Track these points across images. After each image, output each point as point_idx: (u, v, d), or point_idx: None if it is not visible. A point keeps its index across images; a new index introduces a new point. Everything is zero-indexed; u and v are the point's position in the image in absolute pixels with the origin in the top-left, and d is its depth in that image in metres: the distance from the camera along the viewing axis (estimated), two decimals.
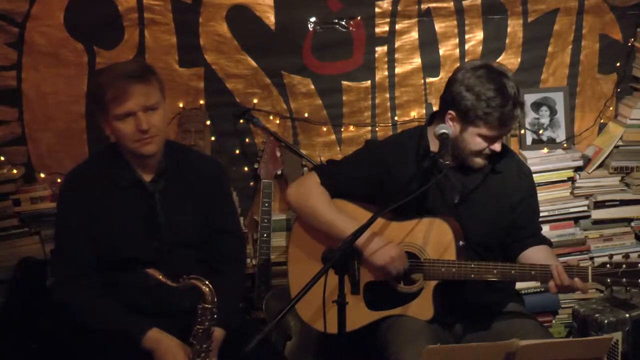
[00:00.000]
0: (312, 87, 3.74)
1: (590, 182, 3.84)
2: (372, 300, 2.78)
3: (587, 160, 3.85)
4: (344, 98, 3.78)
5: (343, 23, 3.70)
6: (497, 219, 2.76)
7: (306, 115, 3.76)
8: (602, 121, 3.94)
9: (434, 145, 2.74)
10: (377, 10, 3.70)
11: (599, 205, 3.83)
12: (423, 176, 2.65)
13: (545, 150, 3.84)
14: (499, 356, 2.11)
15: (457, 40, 3.79)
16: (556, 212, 3.81)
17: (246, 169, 3.75)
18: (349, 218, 2.74)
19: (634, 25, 3.86)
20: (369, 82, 3.78)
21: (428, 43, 3.77)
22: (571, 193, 3.84)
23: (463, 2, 3.74)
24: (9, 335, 3.25)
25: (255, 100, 3.71)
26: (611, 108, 3.94)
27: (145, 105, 2.51)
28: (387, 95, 3.81)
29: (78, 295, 2.59)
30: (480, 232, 2.75)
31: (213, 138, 3.70)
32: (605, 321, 3.36)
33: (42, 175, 3.62)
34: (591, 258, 3.83)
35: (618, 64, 3.89)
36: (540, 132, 3.85)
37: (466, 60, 3.77)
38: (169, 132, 2.66)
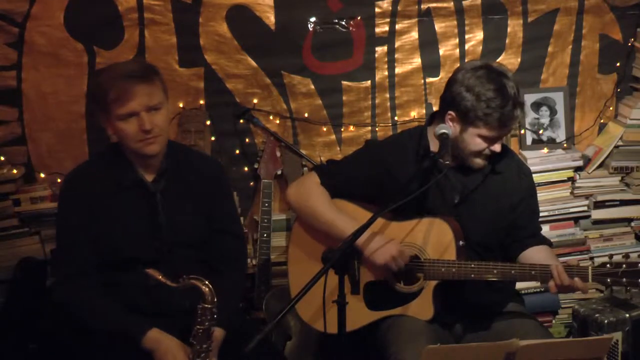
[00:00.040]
0: (312, 87, 3.74)
1: (590, 182, 3.84)
2: (372, 300, 2.78)
3: (587, 160, 3.85)
4: (344, 98, 3.78)
5: (343, 23, 3.70)
6: (497, 219, 2.76)
7: (306, 115, 3.76)
8: (602, 121, 3.94)
9: (434, 145, 2.74)
10: (377, 10, 3.70)
11: (599, 205, 3.83)
12: (423, 176, 2.66)
13: (545, 150, 3.84)
14: (499, 356, 2.11)
15: (457, 40, 3.79)
16: (556, 212, 3.81)
17: (246, 169, 3.75)
18: (349, 218, 2.74)
19: (634, 25, 3.86)
20: (369, 82, 3.78)
21: (428, 43, 3.77)
22: (571, 193, 3.84)
23: (463, 2, 3.74)
24: (9, 335, 3.25)
25: (255, 100, 3.71)
26: (611, 108, 3.94)
27: (148, 106, 2.51)
28: (387, 95, 3.81)
29: (78, 295, 2.59)
30: (480, 232, 2.75)
31: (213, 138, 3.70)
32: (605, 321, 3.36)
33: (42, 175, 3.62)
34: (591, 258, 3.83)
35: (618, 64, 3.89)
36: (540, 132, 3.85)
37: (466, 60, 3.77)
38: (169, 132, 2.66)
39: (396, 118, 3.82)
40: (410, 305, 2.73)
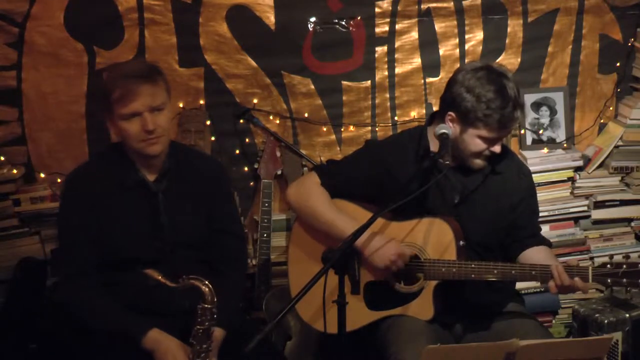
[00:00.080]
0: (312, 87, 3.74)
1: (590, 182, 3.84)
2: (372, 300, 2.78)
3: (587, 160, 3.85)
4: (344, 98, 3.78)
5: (343, 23, 3.70)
6: (497, 219, 2.76)
7: (306, 115, 3.76)
8: (602, 121, 3.95)
9: (434, 146, 2.74)
10: (377, 10, 3.70)
11: (599, 205, 3.83)
12: (423, 176, 2.66)
13: (545, 150, 3.84)
14: (499, 356, 2.11)
15: (457, 40, 3.79)
16: (556, 212, 3.81)
17: (246, 169, 3.75)
18: (349, 218, 2.74)
19: (634, 25, 3.86)
20: (369, 82, 3.78)
21: (428, 43, 3.77)
22: (571, 193, 3.84)
23: (463, 2, 3.74)
24: (9, 335, 3.25)
25: (255, 100, 3.71)
26: (611, 108, 3.94)
27: (151, 106, 2.51)
28: (387, 95, 3.81)
29: (78, 295, 2.59)
30: (480, 233, 2.75)
31: (213, 138, 3.70)
32: (605, 321, 3.36)
33: (42, 175, 3.62)
34: (591, 258, 3.83)
35: (618, 64, 3.89)
36: (540, 132, 3.85)
37: (466, 60, 3.77)
38: (171, 133, 2.67)
39: (396, 118, 3.82)
40: (410, 305, 2.73)
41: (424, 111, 3.80)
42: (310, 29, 3.68)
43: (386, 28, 3.73)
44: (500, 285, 2.74)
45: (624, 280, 2.52)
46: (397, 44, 3.76)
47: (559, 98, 3.85)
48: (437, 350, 2.12)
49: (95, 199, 2.60)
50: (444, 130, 2.62)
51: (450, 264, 2.66)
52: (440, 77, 3.80)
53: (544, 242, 2.83)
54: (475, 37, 3.79)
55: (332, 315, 2.35)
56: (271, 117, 3.73)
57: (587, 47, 3.86)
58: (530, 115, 3.83)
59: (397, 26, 3.74)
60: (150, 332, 2.52)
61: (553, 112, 3.85)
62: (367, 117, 3.81)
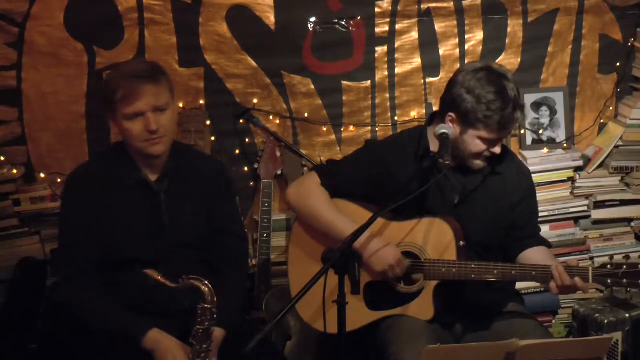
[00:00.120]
0: (312, 87, 3.74)
1: (590, 182, 3.84)
2: (372, 300, 2.78)
3: (587, 160, 3.85)
4: (344, 98, 3.78)
5: (343, 23, 3.70)
6: (497, 219, 2.76)
7: (306, 115, 3.76)
8: (602, 121, 3.94)
9: (434, 146, 2.74)
10: (377, 10, 3.70)
11: (599, 205, 3.83)
12: (423, 176, 2.66)
13: (545, 150, 3.84)
14: (499, 356, 2.11)
15: (457, 40, 3.79)
16: (556, 212, 3.81)
17: (246, 169, 3.75)
18: (349, 219, 2.74)
19: (634, 25, 3.86)
20: (369, 82, 3.78)
21: (428, 43, 3.77)
22: (571, 193, 3.84)
23: (463, 2, 3.74)
24: (9, 335, 3.25)
25: (255, 100, 3.71)
26: (611, 108, 3.94)
27: (155, 106, 2.52)
28: (387, 95, 3.80)
29: (78, 295, 2.59)
30: (479, 233, 2.75)
31: (213, 138, 3.70)
32: (605, 321, 3.36)
33: (42, 175, 3.62)
34: (591, 258, 3.83)
35: (618, 64, 3.89)
36: (540, 132, 3.85)
37: (466, 60, 3.77)
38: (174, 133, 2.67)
39: (396, 118, 3.82)
40: (410, 306, 2.73)
41: (424, 111, 3.80)
42: (310, 29, 3.68)
43: (386, 28, 3.73)
44: (500, 285, 2.74)
45: (624, 280, 2.52)
46: (397, 44, 3.76)
47: (559, 98, 3.85)
48: (437, 350, 2.12)
49: (96, 199, 2.60)
50: (444, 131, 2.62)
51: (450, 264, 2.66)
52: (440, 77, 3.80)
53: (543, 242, 2.83)
54: (475, 37, 3.79)
55: (332, 315, 2.35)
56: (271, 117, 3.73)
57: (587, 47, 3.86)
58: (530, 115, 3.83)
59: (397, 26, 3.74)
60: (150, 332, 2.52)
61: (553, 112, 3.85)
62: (367, 117, 3.81)
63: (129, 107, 2.50)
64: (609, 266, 2.54)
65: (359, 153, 2.92)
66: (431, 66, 3.79)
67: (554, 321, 3.81)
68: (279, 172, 3.64)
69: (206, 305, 2.43)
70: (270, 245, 3.54)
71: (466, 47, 3.80)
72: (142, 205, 2.63)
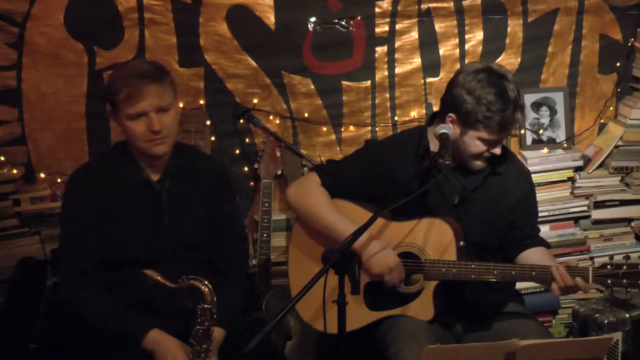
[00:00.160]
0: (312, 87, 3.74)
1: (590, 182, 3.84)
2: (372, 301, 2.78)
3: (587, 160, 3.85)
4: (344, 98, 3.78)
5: (343, 23, 3.70)
6: (497, 220, 2.76)
7: (306, 115, 3.76)
8: (602, 121, 3.95)
9: (434, 146, 2.74)
10: (377, 10, 3.70)
11: (599, 205, 3.83)
12: (423, 176, 2.66)
13: (545, 150, 3.84)
14: (499, 356, 2.12)
15: (457, 40, 3.79)
16: (556, 212, 3.81)
17: (246, 169, 3.75)
18: (349, 219, 2.74)
19: (634, 25, 3.86)
20: (369, 82, 3.78)
21: (428, 43, 3.77)
22: (571, 193, 3.84)
23: (463, 2, 3.74)
24: (9, 335, 3.25)
25: (255, 100, 3.71)
26: (611, 108, 3.94)
27: (158, 106, 2.52)
28: (387, 95, 3.80)
29: (79, 295, 2.59)
30: (479, 233, 2.75)
31: (213, 138, 3.70)
32: (605, 321, 3.36)
33: (42, 175, 3.62)
34: (591, 258, 3.83)
35: (618, 64, 3.89)
36: (540, 132, 3.85)
37: (466, 60, 3.77)
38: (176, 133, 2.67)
39: (396, 118, 3.82)
40: (410, 306, 2.73)
41: (424, 111, 3.80)
42: (310, 29, 3.68)
43: (386, 28, 3.73)
44: (500, 285, 2.74)
45: (624, 281, 2.52)
46: (397, 44, 3.75)
47: (559, 98, 3.85)
48: (437, 350, 2.12)
49: (98, 199, 2.60)
50: (444, 130, 2.62)
51: (450, 264, 2.66)
52: (440, 77, 3.80)
53: (543, 243, 2.83)
54: (475, 37, 3.79)
55: (332, 315, 2.35)
56: (271, 117, 3.73)
57: (587, 47, 3.86)
58: (530, 116, 3.83)
59: (397, 26, 3.74)
60: (150, 333, 2.52)
61: (553, 112, 3.85)
62: (367, 117, 3.81)
63: (132, 107, 2.50)
64: (609, 266, 2.54)
65: (359, 153, 2.92)
66: (431, 66, 3.79)
67: (554, 321, 3.81)
68: (279, 172, 3.64)
69: (206, 306, 2.43)
70: (270, 245, 3.54)
71: (466, 47, 3.80)
72: (143, 205, 2.63)
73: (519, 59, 3.83)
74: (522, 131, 3.85)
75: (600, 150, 3.85)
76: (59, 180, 3.56)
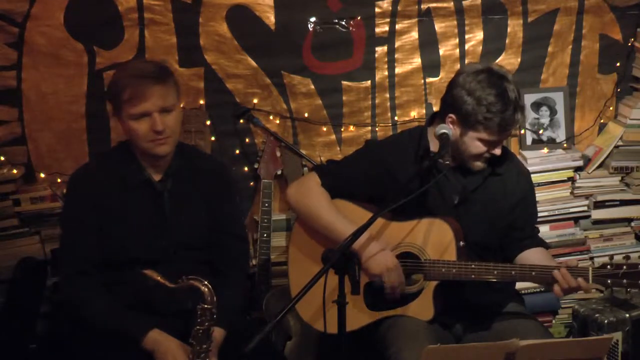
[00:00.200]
0: (312, 87, 3.74)
1: (590, 182, 3.84)
2: (372, 301, 2.78)
3: (587, 160, 3.85)
4: (344, 98, 3.78)
5: (343, 23, 3.69)
6: (496, 220, 2.77)
7: (306, 115, 3.76)
8: (602, 121, 3.95)
9: (434, 146, 2.74)
10: (377, 10, 3.70)
11: (599, 205, 3.83)
12: (423, 176, 2.66)
13: (545, 150, 3.84)
14: (499, 356, 2.12)
15: (457, 40, 3.79)
16: (556, 212, 3.81)
17: (246, 169, 3.75)
18: (349, 220, 2.74)
19: (634, 25, 3.86)
20: (369, 82, 3.78)
21: (428, 43, 3.77)
22: (571, 193, 3.84)
23: (463, 2, 3.74)
24: (9, 335, 3.25)
25: (255, 100, 3.71)
26: (611, 108, 3.94)
27: (161, 107, 2.52)
28: (387, 95, 3.80)
29: (79, 295, 2.59)
30: (479, 233, 2.75)
31: (213, 138, 3.69)
32: (605, 321, 3.36)
33: (42, 175, 3.62)
34: (591, 258, 3.83)
35: (618, 64, 3.89)
36: (540, 132, 3.85)
37: (466, 60, 3.77)
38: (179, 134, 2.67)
39: (396, 118, 3.82)
40: (410, 306, 2.73)
41: (424, 111, 3.80)
42: (310, 29, 3.68)
43: (386, 28, 3.73)
44: (500, 285, 2.74)
45: (624, 281, 2.52)
46: (397, 44, 3.75)
47: (559, 98, 3.85)
48: (437, 350, 2.12)
49: (99, 199, 2.60)
50: (444, 131, 2.62)
51: (450, 264, 2.66)
52: (440, 77, 3.80)
53: (542, 243, 2.84)
54: (475, 37, 3.79)
55: (332, 315, 2.35)
56: (271, 117, 3.73)
57: (587, 47, 3.86)
58: (530, 116, 3.83)
59: (397, 26, 3.74)
60: (150, 333, 2.52)
61: (553, 112, 3.85)
62: (367, 117, 3.81)
63: (136, 107, 2.50)
64: (609, 266, 2.54)
65: (359, 153, 2.92)
66: (431, 66, 3.79)
67: (554, 321, 3.81)
68: (279, 172, 3.64)
69: (206, 306, 2.43)
70: (270, 245, 3.54)
71: (466, 47, 3.80)
72: (144, 205, 2.63)
73: (519, 59, 3.83)
74: (522, 131, 3.85)
75: (600, 150, 3.85)
76: (59, 180, 3.56)
